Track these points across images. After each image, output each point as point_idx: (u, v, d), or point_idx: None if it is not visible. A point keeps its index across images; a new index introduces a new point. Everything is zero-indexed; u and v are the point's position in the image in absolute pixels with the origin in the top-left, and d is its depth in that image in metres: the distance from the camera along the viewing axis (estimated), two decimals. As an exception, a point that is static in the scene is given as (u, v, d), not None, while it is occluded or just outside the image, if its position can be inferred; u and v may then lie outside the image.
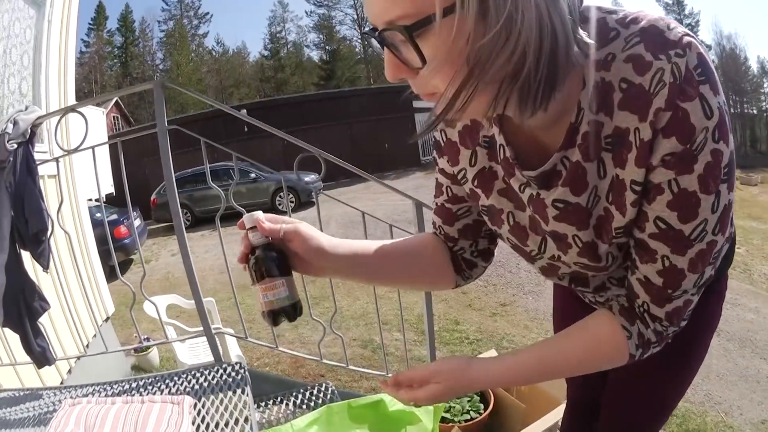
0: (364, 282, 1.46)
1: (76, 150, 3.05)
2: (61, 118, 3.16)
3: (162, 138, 2.96)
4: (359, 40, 65.84)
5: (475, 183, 1.30)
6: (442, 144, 1.34)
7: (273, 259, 1.22)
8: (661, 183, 0.97)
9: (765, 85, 58.98)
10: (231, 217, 3.27)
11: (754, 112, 58.49)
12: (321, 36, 66.89)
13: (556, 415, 3.07)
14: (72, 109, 3.13)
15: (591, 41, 0.93)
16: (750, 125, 56.99)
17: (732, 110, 57.28)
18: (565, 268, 1.27)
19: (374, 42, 0.96)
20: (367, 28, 0.96)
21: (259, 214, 1.23)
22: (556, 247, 1.22)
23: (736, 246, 1.55)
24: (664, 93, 0.89)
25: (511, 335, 6.46)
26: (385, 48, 0.94)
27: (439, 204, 1.45)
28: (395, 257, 1.40)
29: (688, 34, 0.90)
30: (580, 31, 0.93)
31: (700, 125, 0.89)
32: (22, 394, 2.75)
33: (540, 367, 1.21)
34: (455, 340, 6.31)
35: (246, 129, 20.65)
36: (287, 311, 1.23)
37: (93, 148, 3.07)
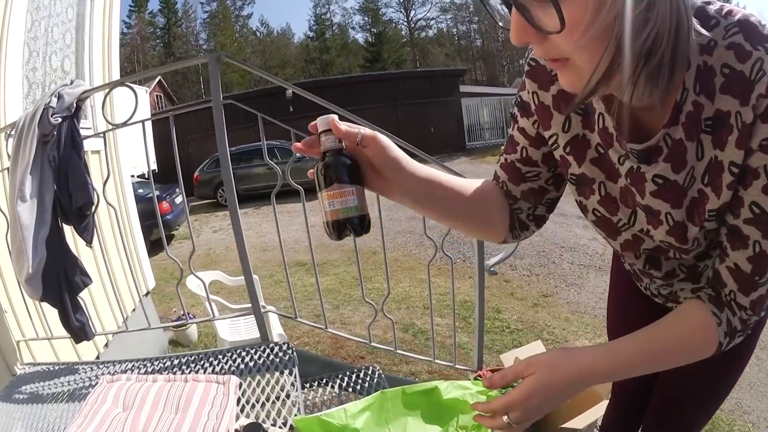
0: (425, 211, 1.37)
1: (125, 124, 3.02)
2: (108, 92, 3.14)
3: (217, 113, 2.93)
4: (405, 23, 65.83)
5: (567, 150, 1.28)
6: (533, 106, 1.31)
7: (345, 165, 1.16)
8: (759, 167, 0.97)
9: None
10: (276, 196, 3.25)
11: None
12: (366, 18, 67.06)
13: (598, 411, 3.06)
14: (121, 82, 3.11)
15: (699, 28, 0.94)
16: None
17: None
18: (649, 242, 1.27)
19: (493, 3, 0.96)
20: None
21: (334, 117, 1.16)
22: (647, 220, 1.21)
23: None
24: (765, 80, 0.90)
25: (552, 327, 6.38)
26: (512, 9, 0.91)
27: (509, 161, 1.42)
28: (465, 197, 1.35)
29: None
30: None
31: None
32: (57, 368, 2.74)
33: (642, 358, 1.17)
34: (496, 329, 6.26)
35: (291, 109, 20.70)
36: (354, 224, 1.16)
37: (143, 122, 3.08)
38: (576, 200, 1.35)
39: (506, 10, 0.94)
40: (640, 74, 0.90)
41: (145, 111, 15.87)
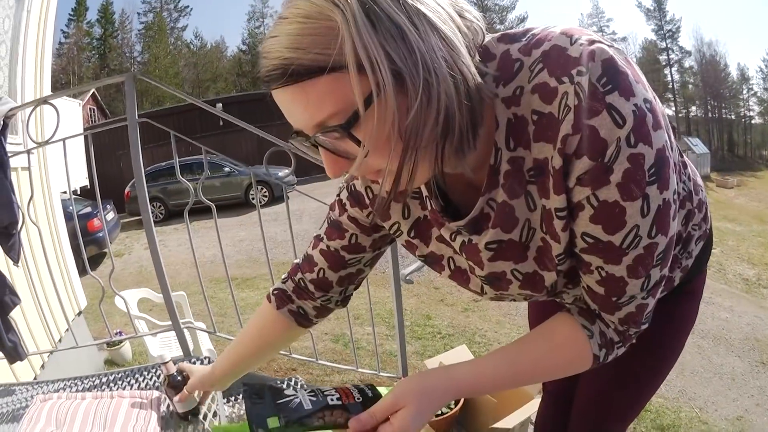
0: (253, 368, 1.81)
1: (47, 142, 3.03)
2: (33, 109, 3.14)
3: (132, 131, 2.96)
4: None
5: (412, 234, 1.30)
6: (367, 199, 1.34)
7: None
8: (581, 200, 0.95)
9: (744, 92, 60.28)
10: (203, 211, 3.28)
11: (732, 117, 60.11)
12: (299, 36, 66.56)
13: (530, 409, 3.12)
14: (45, 100, 3.11)
15: (493, 73, 0.97)
16: (728, 130, 58.35)
17: (710, 115, 58.30)
18: (511, 298, 1.27)
19: (303, 144, 1.00)
20: (293, 134, 0.98)
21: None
22: (494, 288, 1.23)
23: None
24: (570, 118, 0.88)
25: (483, 330, 6.47)
26: (320, 148, 0.97)
27: (332, 248, 1.45)
28: (256, 355, 1.71)
29: (592, 42, 0.89)
30: (485, 66, 0.97)
31: (611, 137, 0.87)
32: (-5, 391, 2.73)
33: (506, 371, 1.20)
34: (427, 335, 6.31)
35: (221, 123, 20.55)
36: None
37: (64, 140, 3.06)
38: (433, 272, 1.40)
39: (314, 150, 1.00)
40: (446, 150, 0.92)
41: (76, 125, 15.64)
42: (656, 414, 4.53)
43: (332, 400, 1.23)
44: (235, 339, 1.73)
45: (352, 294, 1.61)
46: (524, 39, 0.98)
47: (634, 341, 1.20)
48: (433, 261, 1.32)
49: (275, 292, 1.62)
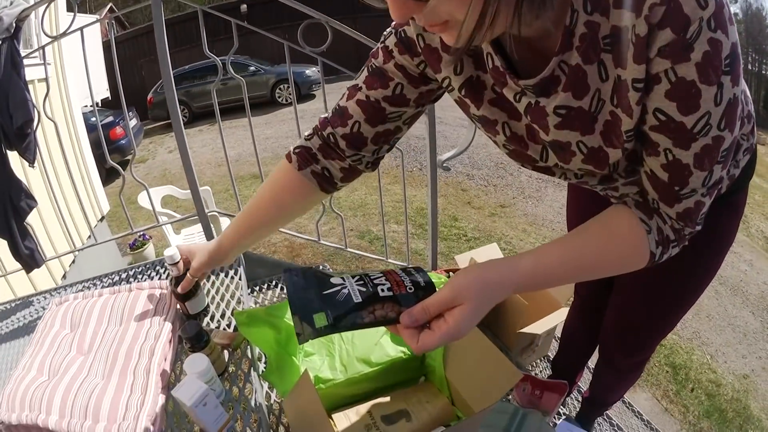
0: (257, 241, 1.68)
1: (64, 34, 2.89)
2: (47, 7, 3.03)
3: (156, 9, 2.82)
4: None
5: (463, 92, 1.23)
6: (419, 47, 1.24)
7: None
8: (659, 73, 0.91)
9: None
10: (228, 111, 3.20)
11: None
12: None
13: (558, 317, 3.07)
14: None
15: None
16: (766, 86, 57.00)
17: (750, 67, 57.01)
18: (570, 173, 1.22)
19: None
20: None
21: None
22: (558, 157, 1.17)
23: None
24: None
25: (509, 237, 6.46)
26: None
27: (371, 99, 1.34)
28: (269, 224, 1.59)
29: None
30: None
31: (694, 15, 0.83)
32: (13, 305, 2.70)
33: (571, 263, 1.13)
34: (453, 236, 6.32)
35: (246, 23, 20.28)
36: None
37: (81, 29, 2.94)
38: (486, 135, 1.32)
39: None
40: (522, 5, 0.86)
41: (95, 39, 15.51)
42: (670, 351, 4.54)
43: (383, 290, 1.12)
44: (246, 206, 1.58)
45: (383, 156, 1.50)
46: None
47: (687, 243, 1.15)
48: (486, 123, 1.25)
49: (297, 150, 1.50)
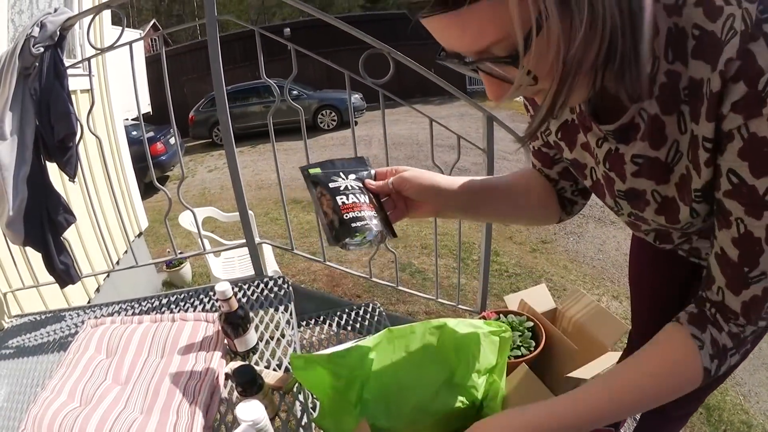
0: (476, 219, 1.55)
1: (111, 47, 2.86)
2: (94, 17, 2.97)
3: (211, 28, 2.78)
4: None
5: (559, 135, 1.27)
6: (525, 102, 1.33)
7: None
8: (732, 130, 0.86)
9: None
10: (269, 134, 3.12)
11: None
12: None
13: (604, 362, 2.96)
14: (107, 5, 2.94)
15: None
16: None
17: None
18: (646, 225, 1.23)
19: (458, 65, 0.93)
20: (442, 54, 0.93)
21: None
22: (632, 205, 1.17)
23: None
24: (735, 42, 0.80)
25: (550, 273, 6.34)
26: (481, 73, 0.92)
27: (536, 148, 1.43)
28: (509, 195, 1.49)
29: None
30: None
31: (766, 64, 0.78)
32: (44, 317, 2.65)
33: (610, 401, 1.10)
34: (494, 272, 6.20)
35: (289, 48, 20.53)
36: None
37: (130, 44, 2.92)
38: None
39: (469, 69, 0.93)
40: (603, 78, 0.86)
41: (138, 56, 15.75)
42: (705, 390, 4.39)
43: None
44: (486, 178, 1.50)
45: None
46: None
47: (749, 347, 1.12)
48: (576, 167, 1.29)
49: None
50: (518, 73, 0.84)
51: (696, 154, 0.95)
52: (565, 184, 1.47)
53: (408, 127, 15.36)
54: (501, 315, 3.33)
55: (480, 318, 3.42)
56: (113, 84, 5.63)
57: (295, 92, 18.61)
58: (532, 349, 3.16)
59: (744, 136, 0.85)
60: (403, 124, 15.66)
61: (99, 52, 2.94)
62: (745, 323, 1.03)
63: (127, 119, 7.13)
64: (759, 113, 0.81)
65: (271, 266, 4.77)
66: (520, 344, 3.17)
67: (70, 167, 2.64)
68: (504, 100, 0.91)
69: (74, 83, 2.87)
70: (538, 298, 3.66)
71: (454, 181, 1.40)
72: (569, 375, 2.90)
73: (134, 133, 8.95)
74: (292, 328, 2.30)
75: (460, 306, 4.07)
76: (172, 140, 13.07)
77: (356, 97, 17.81)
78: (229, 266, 4.98)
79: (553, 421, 1.09)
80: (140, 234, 5.77)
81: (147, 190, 9.24)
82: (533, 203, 1.51)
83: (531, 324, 3.31)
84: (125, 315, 2.32)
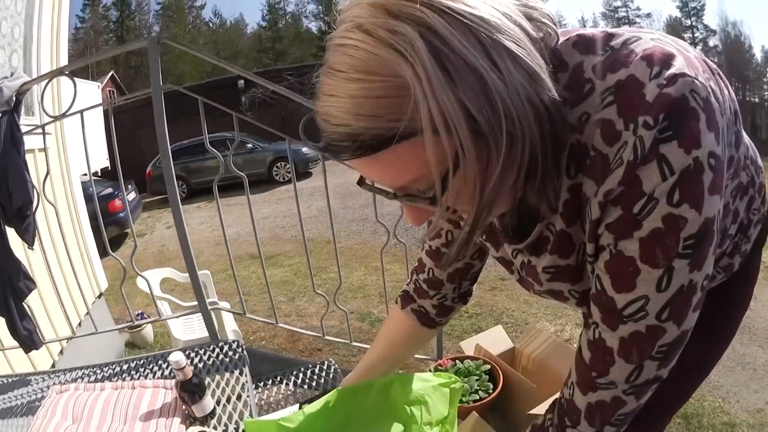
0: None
1: (64, 115, 2.92)
2: (48, 82, 3.03)
3: (156, 100, 2.84)
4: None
5: (484, 237, 1.29)
6: None
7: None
8: (604, 245, 0.90)
9: (767, 74, 60.70)
10: (225, 189, 3.18)
11: (756, 100, 60.34)
12: (320, 7, 66.66)
13: None
14: (60, 71, 3.01)
15: (562, 92, 0.85)
16: (751, 113, 58.76)
17: (735, 95, 59.13)
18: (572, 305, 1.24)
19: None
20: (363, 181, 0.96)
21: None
22: (555, 299, 1.21)
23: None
24: (620, 173, 0.82)
25: (511, 310, 6.37)
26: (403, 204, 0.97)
27: (433, 248, 1.47)
28: (386, 359, 1.69)
29: (675, 78, 0.78)
30: (556, 79, 0.86)
31: (650, 188, 0.80)
32: (11, 381, 2.66)
33: None
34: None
35: (243, 100, 20.56)
36: None
37: (82, 112, 2.94)
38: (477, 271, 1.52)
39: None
40: (519, 197, 0.91)
41: (96, 107, 15.70)
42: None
43: None
44: (369, 349, 1.74)
45: (469, 289, 1.59)
46: (601, 52, 0.88)
47: None
48: (504, 263, 1.30)
49: (401, 293, 1.65)
50: (437, 210, 0.86)
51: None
52: (448, 289, 1.53)
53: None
54: (457, 361, 3.37)
55: (436, 365, 3.47)
56: (71, 139, 5.63)
57: (249, 145, 18.64)
58: (491, 391, 3.22)
59: (612, 251, 0.89)
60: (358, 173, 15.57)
61: (53, 119, 2.99)
62: (587, 427, 1.06)
63: (85, 174, 7.10)
64: (630, 235, 0.85)
65: (231, 326, 4.74)
66: (478, 388, 3.23)
67: (28, 235, 2.68)
68: (418, 224, 0.96)
69: (31, 142, 2.90)
70: (495, 340, 3.73)
71: (360, 371, 1.68)
72: (531, 412, 2.96)
73: (91, 189, 8.79)
74: (248, 391, 2.34)
75: (417, 355, 4.07)
76: (130, 196, 12.97)
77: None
78: (189, 327, 4.96)
79: None
80: (100, 295, 5.75)
81: (109, 244, 9.00)
82: (412, 347, 1.77)
83: (488, 367, 3.36)
84: (88, 381, 2.36)
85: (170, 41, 3.05)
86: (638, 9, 60.85)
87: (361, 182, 0.95)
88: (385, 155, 0.79)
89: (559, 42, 0.91)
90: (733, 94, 0.96)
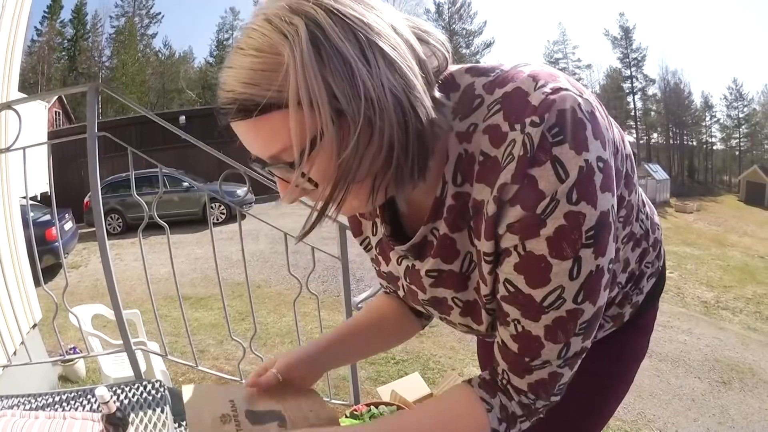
0: (349, 362, 1.60)
1: (8, 149, 3.05)
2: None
3: (91, 143, 2.95)
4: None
5: (378, 250, 1.34)
6: (348, 222, 1.41)
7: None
8: (509, 247, 0.95)
9: (707, 119, 62.51)
10: (160, 226, 3.28)
11: (694, 143, 62.36)
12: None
13: None
14: (8, 106, 3.08)
15: (452, 105, 0.98)
16: (689, 156, 60.92)
17: (672, 141, 60.52)
18: (455, 327, 1.29)
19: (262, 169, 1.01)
20: (251, 159, 1.00)
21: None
22: (437, 310, 1.25)
23: (669, 271, 1.53)
24: (512, 167, 0.88)
25: (438, 356, 6.49)
26: (276, 178, 1.02)
27: (378, 270, 1.43)
28: (366, 336, 1.55)
29: (557, 90, 0.88)
30: (447, 97, 0.98)
31: (549, 189, 0.87)
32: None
33: None
34: (381, 361, 6.30)
35: (183, 136, 20.26)
36: None
37: (24, 149, 3.04)
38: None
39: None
40: (386, 182, 0.94)
41: (41, 128, 15.31)
42: (615, 437, 4.55)
43: None
44: (345, 325, 1.58)
45: None
46: (492, 74, 0.99)
47: (542, 415, 1.16)
48: (391, 280, 1.35)
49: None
50: (294, 176, 0.91)
51: (481, 266, 1.02)
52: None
53: (295, 220, 15.01)
54: (372, 407, 3.44)
55: (352, 411, 3.57)
56: (13, 158, 5.45)
57: (185, 183, 18.15)
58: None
59: (521, 253, 0.93)
60: (290, 217, 15.23)
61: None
62: (535, 398, 1.09)
63: (24, 197, 6.94)
64: (536, 234, 0.90)
65: (159, 366, 4.80)
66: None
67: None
68: (288, 201, 1.01)
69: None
70: (411, 387, 3.83)
71: (325, 351, 1.46)
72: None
73: (31, 214, 8.46)
74: (168, 428, 2.45)
75: (333, 400, 4.17)
76: (67, 225, 12.68)
77: (243, 190, 17.18)
78: (119, 364, 4.93)
79: None
80: (35, 325, 5.71)
81: (44, 273, 8.67)
82: (393, 330, 1.56)
83: (401, 413, 3.45)
84: (24, 409, 2.44)
85: (108, 89, 3.16)
86: (579, 60, 62.61)
87: (250, 159, 1.00)
88: (259, 123, 0.88)
89: (455, 68, 1.03)
90: (626, 138, 1.08)
